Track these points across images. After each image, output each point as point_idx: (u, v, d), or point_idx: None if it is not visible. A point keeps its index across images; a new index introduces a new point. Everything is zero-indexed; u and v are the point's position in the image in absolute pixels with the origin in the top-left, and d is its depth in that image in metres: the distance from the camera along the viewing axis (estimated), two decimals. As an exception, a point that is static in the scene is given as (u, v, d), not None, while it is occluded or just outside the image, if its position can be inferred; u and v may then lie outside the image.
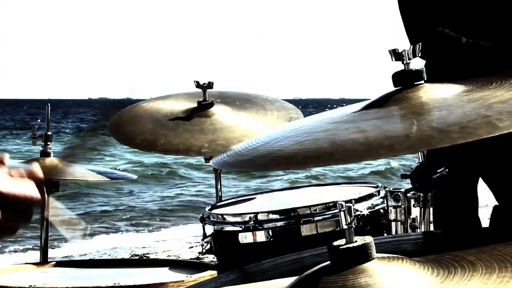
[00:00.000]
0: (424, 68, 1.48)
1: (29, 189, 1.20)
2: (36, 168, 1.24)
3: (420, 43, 1.52)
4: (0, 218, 1.18)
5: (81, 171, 3.11)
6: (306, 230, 2.37)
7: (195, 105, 3.08)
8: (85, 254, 7.83)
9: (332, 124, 1.40)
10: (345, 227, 1.26)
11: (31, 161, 3.08)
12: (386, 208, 2.37)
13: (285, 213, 2.42)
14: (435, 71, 1.63)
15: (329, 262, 1.27)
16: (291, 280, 1.33)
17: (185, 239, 8.57)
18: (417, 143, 1.19)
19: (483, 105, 1.28)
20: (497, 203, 2.24)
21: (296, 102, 3.53)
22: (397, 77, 1.47)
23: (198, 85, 3.10)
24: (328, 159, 1.23)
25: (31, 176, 1.22)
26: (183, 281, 2.34)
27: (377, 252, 1.25)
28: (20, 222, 1.22)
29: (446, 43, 2.15)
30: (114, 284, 2.30)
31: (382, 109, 1.39)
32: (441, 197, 2.06)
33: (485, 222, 2.88)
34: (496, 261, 1.22)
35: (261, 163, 1.34)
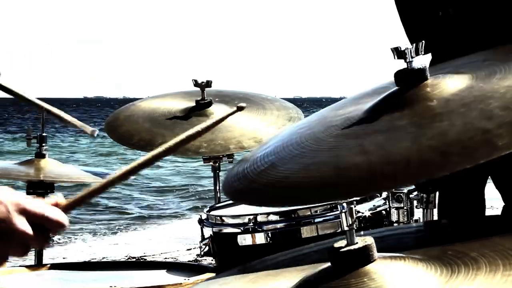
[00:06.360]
0: (427, 67, 1.44)
1: (57, 214, 1.33)
2: (60, 198, 1.38)
3: (422, 41, 1.47)
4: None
5: (76, 173, 3.07)
6: (307, 232, 2.36)
7: (193, 104, 3.06)
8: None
9: (336, 139, 1.34)
10: (346, 228, 1.24)
11: (27, 162, 3.04)
12: (388, 209, 2.36)
13: (285, 215, 2.40)
14: (438, 58, 1.58)
15: (329, 264, 1.24)
16: (291, 282, 1.30)
17: (183, 241, 8.54)
18: (417, 172, 1.12)
19: (484, 112, 1.20)
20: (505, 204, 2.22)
21: (296, 101, 3.50)
22: (399, 76, 1.41)
23: (196, 84, 3.08)
24: (333, 192, 1.21)
25: (57, 205, 1.36)
26: (181, 283, 2.31)
27: (377, 247, 1.22)
28: (42, 242, 1.34)
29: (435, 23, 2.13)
30: (110, 287, 2.27)
31: (384, 117, 1.33)
32: (448, 198, 2.04)
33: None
34: (499, 257, 1.19)
35: (269, 196, 1.31)
